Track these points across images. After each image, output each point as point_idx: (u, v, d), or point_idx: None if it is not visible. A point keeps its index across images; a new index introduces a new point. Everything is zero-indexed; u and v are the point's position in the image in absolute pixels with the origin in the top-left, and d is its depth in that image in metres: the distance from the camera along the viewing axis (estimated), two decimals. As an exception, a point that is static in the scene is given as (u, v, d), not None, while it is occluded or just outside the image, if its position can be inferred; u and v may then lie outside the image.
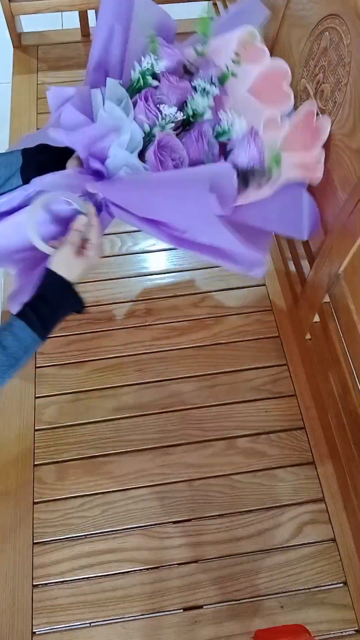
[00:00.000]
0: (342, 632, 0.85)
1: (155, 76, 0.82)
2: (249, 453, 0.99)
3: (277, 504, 0.95)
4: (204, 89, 0.82)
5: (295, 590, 0.88)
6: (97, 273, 1.19)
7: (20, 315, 0.73)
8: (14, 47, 1.62)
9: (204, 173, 0.75)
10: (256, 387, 1.06)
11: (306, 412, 1.03)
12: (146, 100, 0.78)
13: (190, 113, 0.81)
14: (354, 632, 0.85)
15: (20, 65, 1.58)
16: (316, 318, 0.98)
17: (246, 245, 0.74)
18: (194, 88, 0.83)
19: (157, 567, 0.89)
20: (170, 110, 0.78)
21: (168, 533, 0.92)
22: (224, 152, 0.82)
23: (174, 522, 0.93)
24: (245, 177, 0.78)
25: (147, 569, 0.89)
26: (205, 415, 1.03)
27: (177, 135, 0.80)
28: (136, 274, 1.20)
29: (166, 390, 1.06)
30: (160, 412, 1.03)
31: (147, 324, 1.13)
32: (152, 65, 0.81)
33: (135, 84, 0.82)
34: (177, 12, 1.67)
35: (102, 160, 0.78)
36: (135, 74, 0.81)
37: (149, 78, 0.81)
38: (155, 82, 0.82)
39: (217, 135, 0.81)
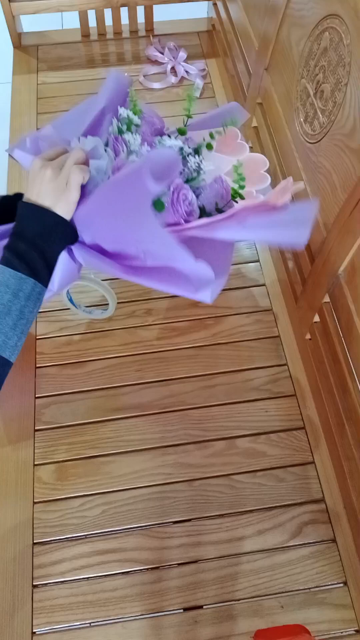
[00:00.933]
0: (342, 632, 0.85)
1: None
2: (249, 453, 0.99)
3: (277, 504, 0.95)
4: (176, 142, 0.81)
5: (295, 590, 0.88)
6: (97, 274, 1.18)
7: (4, 262, 0.65)
8: (14, 47, 1.62)
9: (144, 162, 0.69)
10: (256, 387, 1.06)
11: (306, 412, 1.03)
12: (116, 139, 0.78)
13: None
14: (354, 632, 0.85)
15: (20, 65, 1.58)
16: (316, 318, 0.98)
17: (197, 260, 0.70)
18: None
19: (157, 567, 0.89)
20: (132, 139, 0.77)
21: (168, 533, 0.92)
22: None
23: (174, 522, 0.93)
24: (207, 214, 0.77)
25: (147, 569, 0.89)
26: (205, 415, 1.03)
27: None
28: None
29: (166, 390, 1.06)
30: (160, 412, 1.03)
31: (147, 324, 1.13)
32: (127, 116, 0.81)
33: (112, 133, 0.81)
34: (177, 12, 1.68)
35: None
36: (112, 126, 0.80)
37: (124, 128, 0.81)
38: (129, 135, 0.80)
39: (187, 181, 0.79)
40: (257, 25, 1.19)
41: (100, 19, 1.61)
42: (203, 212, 0.76)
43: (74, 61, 1.59)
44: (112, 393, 1.05)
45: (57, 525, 0.92)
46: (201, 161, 0.79)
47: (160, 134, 0.86)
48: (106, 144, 0.80)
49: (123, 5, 1.54)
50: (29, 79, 1.55)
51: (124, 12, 1.60)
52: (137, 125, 0.83)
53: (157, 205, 0.71)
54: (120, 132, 0.80)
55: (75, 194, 0.68)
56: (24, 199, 0.70)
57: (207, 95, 1.53)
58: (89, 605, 0.86)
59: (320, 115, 0.88)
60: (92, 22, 1.63)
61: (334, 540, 0.91)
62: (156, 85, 1.53)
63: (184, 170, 0.79)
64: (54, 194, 0.68)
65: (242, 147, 0.86)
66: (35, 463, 0.98)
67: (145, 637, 0.84)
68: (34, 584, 0.87)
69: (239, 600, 0.87)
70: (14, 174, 1.34)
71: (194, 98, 0.86)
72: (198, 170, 0.79)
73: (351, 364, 0.85)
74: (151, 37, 1.64)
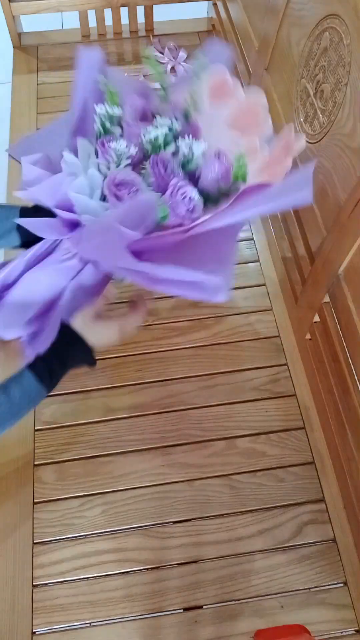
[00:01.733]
0: (342, 632, 0.85)
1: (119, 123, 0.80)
2: (249, 453, 0.99)
3: (277, 504, 0.95)
4: (160, 123, 0.78)
5: (296, 590, 0.88)
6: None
7: (32, 366, 0.71)
8: (14, 47, 1.62)
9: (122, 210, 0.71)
10: (256, 387, 1.06)
11: (306, 412, 1.03)
12: (102, 145, 0.77)
13: (149, 147, 0.77)
14: (354, 632, 0.85)
15: (20, 65, 1.58)
16: (316, 318, 0.98)
17: (203, 269, 0.69)
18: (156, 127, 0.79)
19: (157, 567, 0.89)
20: (118, 145, 0.76)
21: (168, 533, 0.92)
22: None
23: (174, 522, 0.93)
24: (211, 198, 0.75)
25: (147, 569, 0.89)
26: (205, 415, 1.03)
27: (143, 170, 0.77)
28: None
29: (166, 390, 1.06)
30: (160, 412, 1.03)
31: (147, 324, 1.13)
32: (107, 111, 0.78)
33: (98, 135, 0.80)
34: (177, 12, 1.68)
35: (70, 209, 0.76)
36: (96, 125, 0.79)
37: (108, 124, 0.79)
38: (118, 130, 0.79)
39: (184, 166, 0.78)
40: (257, 25, 1.19)
41: (100, 19, 1.61)
42: (207, 199, 0.75)
43: (74, 61, 1.59)
44: (112, 393, 1.05)
45: (57, 525, 0.92)
46: (192, 142, 0.76)
47: (146, 113, 0.83)
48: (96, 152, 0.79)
49: (123, 5, 1.54)
50: (29, 79, 1.55)
51: (124, 12, 1.60)
52: (119, 117, 0.80)
53: (161, 215, 0.70)
54: (106, 131, 0.78)
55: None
56: (75, 324, 0.75)
57: (207, 95, 1.52)
58: (88, 605, 0.86)
59: (320, 115, 0.88)
60: (92, 22, 1.63)
61: (334, 540, 0.91)
62: (156, 85, 1.53)
63: (176, 156, 0.77)
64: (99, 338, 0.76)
65: (234, 87, 0.79)
66: (35, 463, 0.98)
67: (145, 637, 0.84)
68: (34, 584, 0.87)
69: (239, 600, 0.87)
70: (14, 174, 1.34)
71: (152, 57, 0.80)
72: (191, 153, 0.76)
73: (351, 363, 0.85)
74: (151, 37, 1.64)
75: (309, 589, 0.88)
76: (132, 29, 1.66)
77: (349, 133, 0.79)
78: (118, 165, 0.76)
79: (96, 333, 0.75)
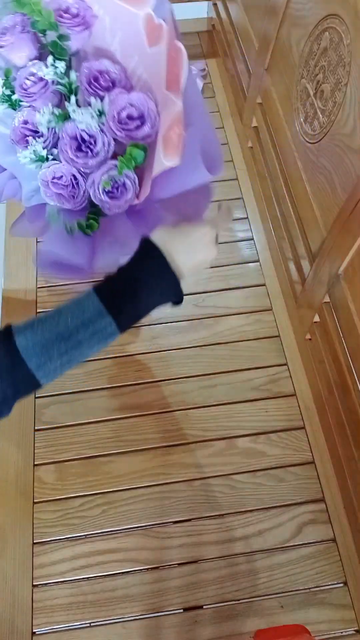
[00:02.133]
0: (342, 632, 0.85)
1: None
2: (249, 453, 0.99)
3: (277, 504, 0.95)
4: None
5: (295, 590, 0.88)
6: (97, 273, 1.18)
7: (96, 286, 0.58)
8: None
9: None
10: (256, 387, 1.06)
11: (306, 412, 1.03)
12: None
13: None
14: (354, 632, 0.85)
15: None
16: (316, 318, 0.97)
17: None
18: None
19: (157, 567, 0.89)
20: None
21: (168, 533, 0.92)
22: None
23: (174, 522, 0.93)
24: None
25: (147, 569, 0.89)
26: (205, 415, 1.03)
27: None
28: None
29: (166, 390, 1.06)
30: (160, 412, 1.03)
31: (147, 324, 1.13)
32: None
33: None
34: (177, 12, 1.68)
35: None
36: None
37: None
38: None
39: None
40: (257, 26, 1.19)
41: (100, 19, 1.61)
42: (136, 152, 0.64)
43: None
44: (112, 393, 1.05)
45: (57, 525, 0.92)
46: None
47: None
48: None
49: (123, 5, 1.54)
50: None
51: (124, 12, 1.60)
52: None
53: (88, 226, 0.66)
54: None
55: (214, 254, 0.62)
56: (157, 239, 0.60)
57: (207, 95, 1.52)
58: (89, 605, 0.86)
59: (320, 115, 0.88)
60: (92, 22, 1.63)
61: (334, 540, 0.91)
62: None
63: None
64: (196, 254, 0.61)
65: None
66: (35, 463, 0.98)
67: (145, 637, 0.84)
68: (34, 584, 0.87)
69: (239, 600, 0.87)
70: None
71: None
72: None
73: (351, 363, 0.85)
74: (151, 37, 1.64)
75: (309, 589, 0.88)
76: (132, 29, 1.66)
77: (349, 133, 0.79)
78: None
79: (185, 243, 0.60)
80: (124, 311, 0.59)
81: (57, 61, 0.66)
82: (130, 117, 0.65)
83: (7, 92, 0.67)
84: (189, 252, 0.60)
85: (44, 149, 0.66)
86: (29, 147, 0.65)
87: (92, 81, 0.66)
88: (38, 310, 1.14)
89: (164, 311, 1.14)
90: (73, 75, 0.66)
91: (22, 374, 0.59)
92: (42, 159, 0.66)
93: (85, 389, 1.06)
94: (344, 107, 0.80)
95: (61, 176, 0.66)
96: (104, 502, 0.94)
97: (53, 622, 0.85)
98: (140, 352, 1.10)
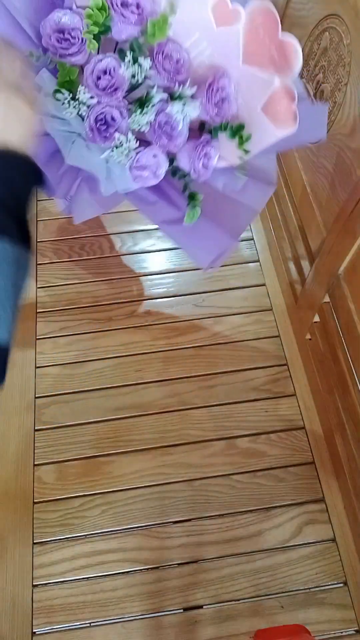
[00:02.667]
0: (342, 632, 0.85)
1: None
2: (249, 453, 0.99)
3: (277, 504, 0.95)
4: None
5: (295, 590, 0.88)
6: (97, 273, 1.19)
7: None
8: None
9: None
10: (256, 387, 1.06)
11: (306, 412, 1.03)
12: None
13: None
14: (354, 632, 0.85)
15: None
16: (316, 318, 0.98)
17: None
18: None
19: (157, 567, 0.89)
20: (84, 96, 0.66)
21: (168, 533, 0.92)
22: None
23: (174, 522, 0.93)
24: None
25: (147, 569, 0.89)
26: (205, 415, 1.03)
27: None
28: (136, 274, 1.20)
29: (166, 390, 1.06)
30: (160, 412, 1.03)
31: (147, 324, 1.13)
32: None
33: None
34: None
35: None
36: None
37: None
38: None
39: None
40: (257, 25, 1.19)
41: (100, 19, 1.61)
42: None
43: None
44: (112, 393, 1.05)
45: (57, 525, 0.92)
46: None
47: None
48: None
49: (123, 5, 1.54)
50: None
51: (124, 12, 1.59)
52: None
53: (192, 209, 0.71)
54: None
55: (34, 112, 0.51)
56: None
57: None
58: (89, 606, 0.86)
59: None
60: (92, 22, 1.63)
61: (334, 540, 0.91)
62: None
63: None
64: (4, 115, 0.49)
65: (236, 13, 0.70)
66: (35, 463, 0.98)
67: (145, 637, 0.84)
68: (34, 584, 0.87)
69: (239, 600, 0.87)
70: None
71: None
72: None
73: (351, 363, 0.85)
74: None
75: (309, 589, 0.88)
76: (132, 29, 1.65)
77: (349, 133, 0.79)
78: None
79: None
80: (7, 225, 0.49)
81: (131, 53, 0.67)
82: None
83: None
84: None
85: (127, 137, 0.68)
86: (114, 141, 0.67)
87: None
88: (38, 310, 1.14)
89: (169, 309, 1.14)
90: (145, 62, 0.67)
91: None
92: (130, 150, 0.68)
93: (85, 389, 1.06)
94: (343, 107, 0.80)
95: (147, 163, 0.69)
96: (104, 502, 0.94)
97: (53, 622, 0.85)
98: (140, 352, 1.10)
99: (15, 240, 0.49)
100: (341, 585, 0.88)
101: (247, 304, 1.16)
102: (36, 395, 1.05)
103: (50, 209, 1.28)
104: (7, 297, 0.49)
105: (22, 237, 0.50)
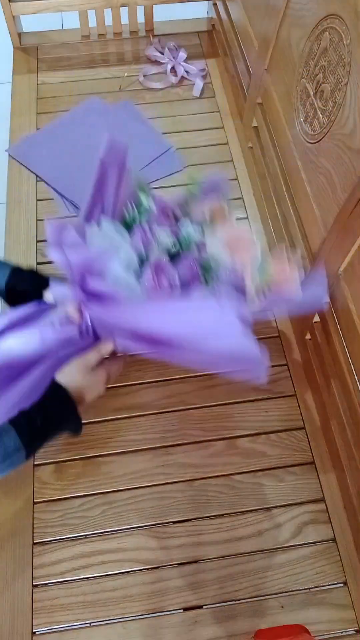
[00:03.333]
0: (342, 632, 0.85)
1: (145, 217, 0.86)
2: (249, 453, 0.99)
3: (277, 504, 0.95)
4: (193, 225, 0.86)
5: (296, 590, 0.88)
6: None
7: (13, 422, 0.69)
8: (14, 47, 1.62)
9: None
10: (256, 387, 1.06)
11: (306, 412, 1.03)
12: (143, 228, 0.82)
13: (180, 244, 0.85)
14: (354, 632, 0.85)
15: (20, 65, 1.58)
16: (316, 318, 0.98)
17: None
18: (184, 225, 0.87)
19: (157, 567, 0.89)
20: (167, 238, 0.82)
21: (168, 533, 0.92)
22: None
23: (174, 522, 0.93)
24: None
25: (147, 569, 0.89)
26: (205, 415, 1.03)
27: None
28: (136, 274, 1.20)
29: (166, 390, 1.06)
30: (160, 412, 1.03)
31: (147, 324, 1.13)
32: (147, 206, 0.85)
33: (129, 221, 0.85)
34: (177, 13, 1.68)
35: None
36: (130, 212, 0.85)
37: (142, 216, 0.85)
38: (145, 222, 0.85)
39: (203, 270, 0.85)
40: (257, 25, 1.19)
41: (100, 19, 1.61)
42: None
43: (74, 61, 1.59)
44: (112, 393, 1.05)
45: (57, 525, 0.92)
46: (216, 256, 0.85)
47: (169, 214, 0.90)
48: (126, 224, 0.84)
49: (123, 5, 1.54)
50: (29, 79, 1.55)
51: (124, 12, 1.60)
52: (146, 210, 0.86)
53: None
54: (140, 219, 0.84)
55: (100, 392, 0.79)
56: (61, 380, 0.74)
57: (207, 95, 1.53)
58: (88, 605, 0.86)
59: (320, 115, 0.88)
60: (92, 22, 1.63)
61: (334, 540, 0.91)
62: (156, 85, 1.53)
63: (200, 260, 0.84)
64: (90, 390, 0.77)
65: (229, 221, 0.91)
66: (35, 463, 0.98)
67: (145, 637, 0.84)
68: (34, 584, 0.87)
69: (239, 600, 0.87)
70: (14, 174, 1.34)
71: (198, 183, 0.90)
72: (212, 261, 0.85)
73: (351, 363, 0.85)
74: (151, 37, 1.64)
75: (309, 589, 0.88)
76: (132, 29, 1.66)
77: (349, 133, 0.79)
78: (159, 253, 0.82)
79: (84, 383, 0.75)
80: (35, 446, 0.72)
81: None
82: None
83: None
84: (84, 389, 0.75)
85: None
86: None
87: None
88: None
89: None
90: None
91: None
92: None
93: (85, 389, 1.05)
94: (344, 107, 0.80)
95: None
96: (103, 502, 0.94)
97: (53, 622, 0.85)
98: (140, 352, 1.09)
99: (28, 456, 0.70)
100: (341, 585, 0.88)
101: (247, 304, 1.16)
102: (36, 395, 1.05)
103: (51, 208, 1.28)
104: None
105: (29, 453, 0.70)
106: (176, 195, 0.96)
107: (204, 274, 0.83)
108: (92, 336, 0.81)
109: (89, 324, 0.80)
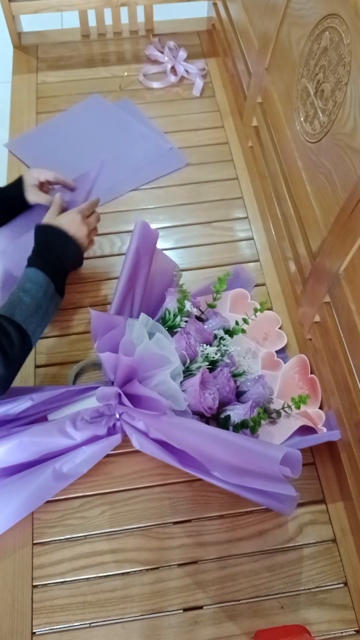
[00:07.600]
0: (342, 632, 0.85)
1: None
2: (249, 453, 0.99)
3: (277, 504, 0.94)
4: (222, 337, 0.97)
5: (296, 591, 0.87)
6: (97, 273, 1.18)
7: (30, 264, 0.88)
8: (13, 46, 1.62)
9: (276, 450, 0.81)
10: (256, 387, 1.06)
11: (306, 412, 1.03)
12: (187, 336, 0.89)
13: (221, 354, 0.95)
14: (354, 632, 0.85)
15: (20, 64, 1.58)
16: (316, 318, 0.97)
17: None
18: (215, 336, 0.97)
19: (157, 568, 0.89)
20: (211, 350, 0.90)
21: (168, 533, 0.91)
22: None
23: (174, 523, 0.92)
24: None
25: (147, 569, 0.89)
26: (205, 415, 1.03)
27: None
28: (136, 274, 1.20)
29: (166, 390, 1.05)
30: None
31: (147, 323, 1.13)
32: (187, 309, 0.94)
33: (168, 322, 0.93)
34: (177, 12, 1.68)
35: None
36: (170, 314, 0.93)
37: (180, 319, 0.92)
38: (184, 323, 0.92)
39: (234, 376, 0.95)
40: (257, 25, 1.19)
41: (100, 18, 1.61)
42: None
43: (74, 61, 1.59)
44: (112, 393, 1.05)
45: (57, 525, 0.92)
46: (248, 366, 0.98)
47: (197, 310, 1.00)
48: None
49: (123, 4, 1.54)
50: (29, 79, 1.55)
51: (123, 11, 1.60)
52: (187, 313, 0.93)
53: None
54: (178, 323, 0.92)
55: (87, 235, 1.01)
56: (51, 223, 0.95)
57: (207, 94, 1.53)
58: (88, 606, 0.86)
59: (321, 115, 0.88)
60: (92, 22, 1.63)
61: (334, 541, 0.91)
62: (156, 85, 1.53)
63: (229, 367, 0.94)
64: (80, 232, 0.98)
65: (252, 306, 1.04)
66: (35, 463, 0.97)
67: (145, 637, 0.84)
68: (34, 584, 0.87)
69: (239, 600, 0.87)
70: (13, 172, 1.34)
71: (225, 280, 1.00)
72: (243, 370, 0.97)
73: (352, 363, 0.85)
74: (151, 37, 1.64)
75: (309, 589, 0.88)
76: (132, 28, 1.66)
77: (350, 132, 0.79)
78: (201, 364, 0.90)
79: (73, 230, 0.95)
80: (58, 278, 0.92)
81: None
82: None
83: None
84: (78, 233, 0.97)
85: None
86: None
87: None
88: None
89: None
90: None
91: (28, 342, 0.84)
92: None
93: (85, 389, 1.05)
94: (344, 107, 0.80)
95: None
96: (103, 502, 0.94)
97: (53, 622, 0.85)
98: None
99: (58, 291, 0.92)
100: (341, 585, 0.88)
101: (247, 303, 1.16)
102: (36, 395, 1.04)
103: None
104: (44, 323, 0.88)
105: (60, 289, 0.94)
106: (203, 287, 1.11)
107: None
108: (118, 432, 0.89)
109: (117, 421, 0.87)
